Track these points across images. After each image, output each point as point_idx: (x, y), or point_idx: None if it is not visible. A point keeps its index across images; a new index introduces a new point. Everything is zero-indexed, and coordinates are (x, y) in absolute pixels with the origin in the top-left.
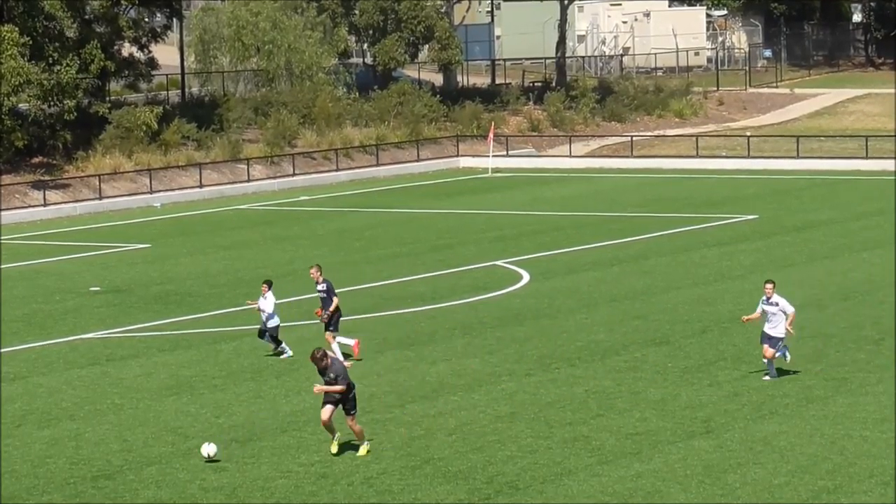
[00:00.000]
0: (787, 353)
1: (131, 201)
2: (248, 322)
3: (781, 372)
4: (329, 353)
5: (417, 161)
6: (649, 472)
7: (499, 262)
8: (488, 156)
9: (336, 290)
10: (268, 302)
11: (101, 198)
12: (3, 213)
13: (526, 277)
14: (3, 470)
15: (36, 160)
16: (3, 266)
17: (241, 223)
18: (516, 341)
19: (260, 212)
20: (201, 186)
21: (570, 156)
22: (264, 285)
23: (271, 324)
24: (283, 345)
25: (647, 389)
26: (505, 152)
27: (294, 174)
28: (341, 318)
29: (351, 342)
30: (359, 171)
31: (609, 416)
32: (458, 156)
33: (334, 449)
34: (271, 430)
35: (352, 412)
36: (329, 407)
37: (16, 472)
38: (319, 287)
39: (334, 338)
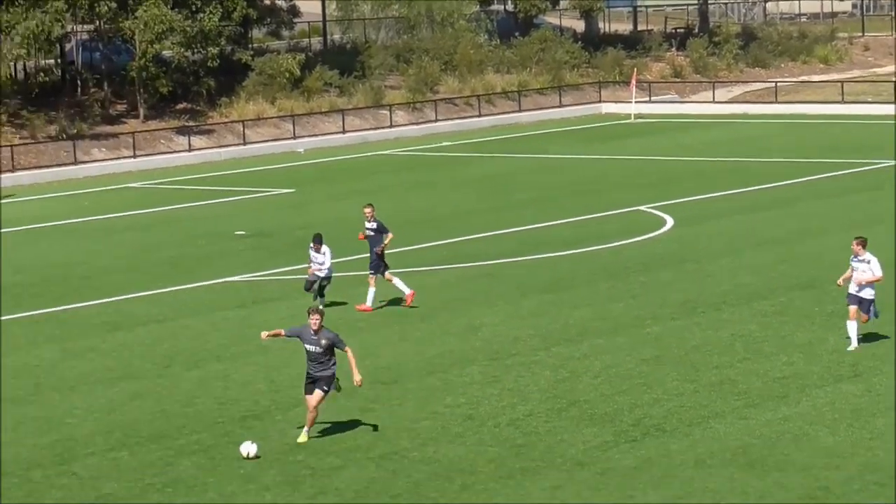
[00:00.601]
0: (875, 311)
1: (275, 147)
2: (391, 266)
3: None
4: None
5: (560, 107)
6: (797, 416)
7: (642, 208)
8: (631, 102)
9: (388, 230)
10: (323, 256)
11: (245, 143)
12: (149, 158)
13: (670, 222)
14: (153, 408)
15: (180, 106)
16: (148, 210)
17: (384, 168)
18: (660, 285)
19: (402, 157)
20: (344, 132)
21: (714, 101)
22: (315, 242)
23: (324, 275)
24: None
25: (794, 333)
26: (647, 98)
27: (436, 120)
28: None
29: (406, 291)
30: (501, 117)
31: (756, 359)
32: (600, 102)
33: (302, 439)
34: (417, 372)
35: (323, 388)
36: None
37: (166, 412)
38: (369, 225)
39: (386, 278)
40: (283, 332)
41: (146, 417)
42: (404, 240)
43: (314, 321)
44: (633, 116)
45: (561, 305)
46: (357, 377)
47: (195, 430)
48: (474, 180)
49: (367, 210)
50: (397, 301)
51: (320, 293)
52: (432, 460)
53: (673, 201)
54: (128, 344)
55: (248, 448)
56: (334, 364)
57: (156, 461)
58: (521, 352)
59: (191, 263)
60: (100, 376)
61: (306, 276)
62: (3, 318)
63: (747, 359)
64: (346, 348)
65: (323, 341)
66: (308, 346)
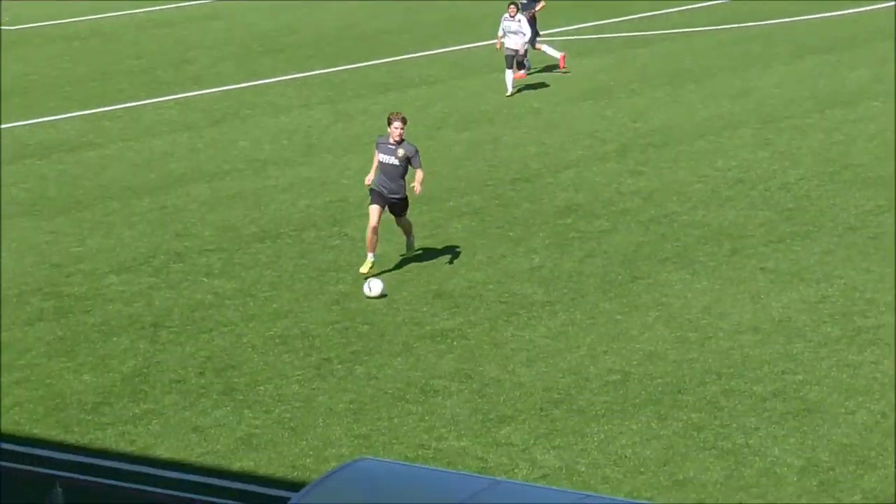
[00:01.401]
0: None
1: None
2: (664, 26)
3: None
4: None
5: None
6: None
7: None
8: None
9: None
10: (518, 24)
11: None
12: None
13: None
14: (428, 171)
15: None
16: None
17: None
18: None
19: None
20: None
21: None
22: (511, 6)
23: (520, 47)
24: (517, 73)
25: None
26: None
27: None
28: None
29: (557, 55)
30: None
31: None
32: None
33: (363, 270)
34: (688, 134)
35: (400, 214)
36: (377, 207)
37: (437, 174)
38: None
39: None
40: (376, 160)
41: None
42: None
43: (396, 129)
44: None
45: (837, 66)
46: (418, 187)
47: (465, 193)
48: None
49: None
50: (673, 62)
51: (513, 65)
52: (702, 224)
53: None
54: (399, 106)
55: (371, 288)
56: (406, 189)
57: (426, 223)
58: (795, 114)
59: (463, 25)
60: (372, 138)
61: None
62: (274, 79)
63: None
64: (419, 169)
65: (401, 152)
66: (382, 157)
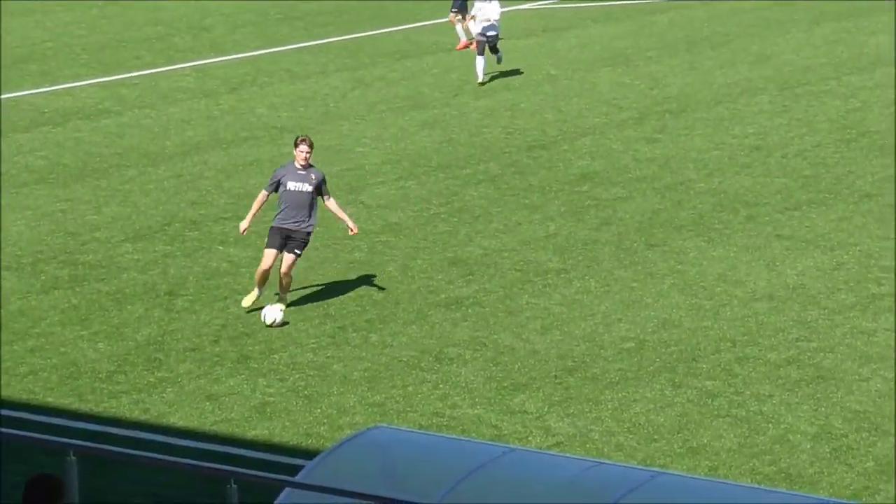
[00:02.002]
0: None
1: None
2: None
3: None
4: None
5: None
6: None
7: None
8: None
9: None
10: (491, 6)
11: None
12: None
13: None
14: (441, 138)
15: None
16: None
17: None
18: None
19: None
20: None
21: None
22: None
23: (491, 32)
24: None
25: None
26: None
27: None
28: None
29: (463, 38)
30: None
31: None
32: None
33: (246, 303)
34: (705, 101)
35: (295, 251)
36: (273, 252)
37: (453, 141)
38: None
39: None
40: (261, 198)
41: (434, 146)
42: None
43: (302, 153)
44: None
45: (856, 33)
46: (352, 225)
47: (482, 160)
48: None
49: None
50: (692, 30)
51: (493, 50)
52: (718, 191)
53: None
54: (417, 72)
55: (270, 314)
56: (314, 221)
57: (443, 190)
58: (812, 81)
59: None
60: (389, 105)
61: (475, 39)
62: (291, 46)
63: None
64: (330, 197)
65: (312, 176)
66: (292, 186)
